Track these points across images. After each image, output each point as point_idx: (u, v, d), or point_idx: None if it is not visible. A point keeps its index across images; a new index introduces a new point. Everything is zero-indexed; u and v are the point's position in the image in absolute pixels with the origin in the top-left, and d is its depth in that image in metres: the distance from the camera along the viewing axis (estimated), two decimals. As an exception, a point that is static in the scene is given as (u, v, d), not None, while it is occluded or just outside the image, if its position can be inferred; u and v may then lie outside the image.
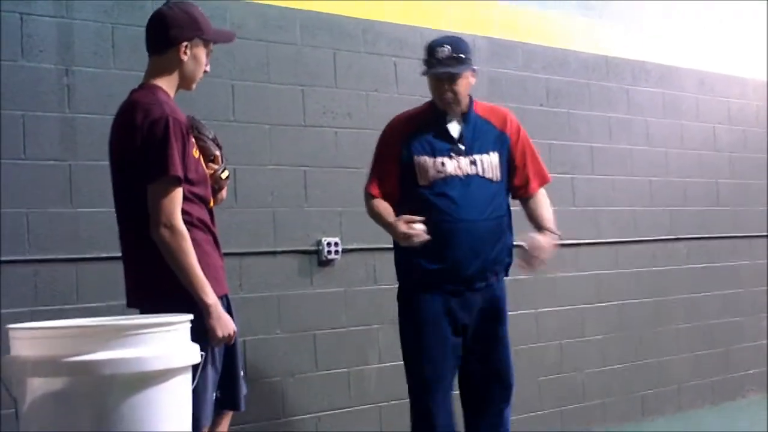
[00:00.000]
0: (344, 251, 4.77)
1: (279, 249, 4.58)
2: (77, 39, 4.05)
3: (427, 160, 3.80)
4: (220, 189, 3.48)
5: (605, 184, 6.02)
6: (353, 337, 4.80)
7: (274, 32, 4.63)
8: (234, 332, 3.03)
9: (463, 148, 3.81)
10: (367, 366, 4.84)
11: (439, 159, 3.80)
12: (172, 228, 2.91)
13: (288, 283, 4.60)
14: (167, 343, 2.58)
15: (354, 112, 4.87)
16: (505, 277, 3.95)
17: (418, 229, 3.66)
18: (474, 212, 3.76)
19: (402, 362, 4.85)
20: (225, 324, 2.99)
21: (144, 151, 2.95)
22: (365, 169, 4.87)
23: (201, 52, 3.13)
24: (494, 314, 3.86)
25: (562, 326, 5.70)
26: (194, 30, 3.10)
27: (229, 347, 3.13)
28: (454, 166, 3.79)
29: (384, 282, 4.90)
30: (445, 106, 3.83)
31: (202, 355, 2.74)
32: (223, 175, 3.48)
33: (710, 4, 6.78)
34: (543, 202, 3.98)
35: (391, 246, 4.90)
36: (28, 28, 3.93)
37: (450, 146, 3.81)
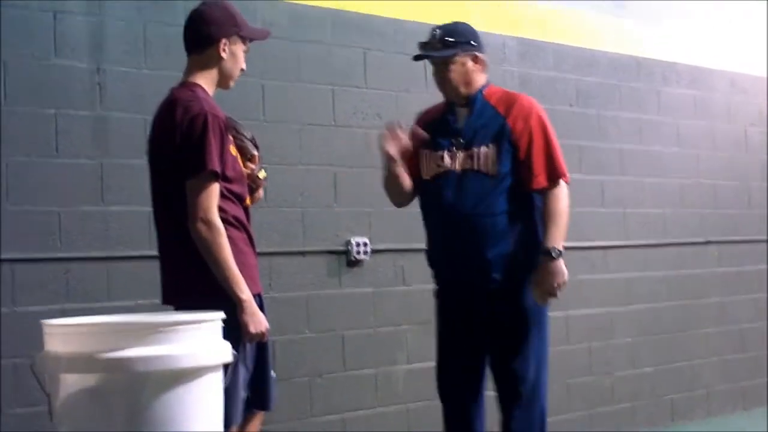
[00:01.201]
0: (373, 252, 4.76)
1: (308, 249, 4.58)
2: (109, 37, 4.06)
3: (429, 154, 3.69)
4: (257, 188, 3.49)
5: (635, 185, 5.97)
6: (381, 338, 4.79)
7: (305, 31, 4.63)
8: (267, 329, 3.03)
9: (462, 141, 3.64)
10: (395, 367, 4.82)
11: (439, 153, 3.65)
12: (208, 223, 2.91)
13: (317, 283, 4.60)
14: (200, 340, 2.58)
15: (384, 112, 4.85)
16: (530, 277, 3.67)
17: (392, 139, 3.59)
18: (466, 208, 3.57)
19: (428, 364, 4.87)
20: (258, 321, 2.98)
21: (182, 147, 2.95)
22: (395, 169, 4.87)
23: (239, 50, 3.14)
24: (511, 316, 3.64)
25: (592, 329, 5.66)
26: (232, 27, 3.11)
27: (261, 347, 3.13)
28: (451, 160, 3.63)
29: (413, 283, 4.89)
30: (442, 92, 3.73)
31: (234, 354, 2.74)
32: (261, 175, 3.51)
33: (741, 4, 6.72)
34: (549, 206, 3.60)
35: (419, 247, 4.91)
36: (61, 26, 3.94)
37: (450, 140, 3.66)
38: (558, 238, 3.56)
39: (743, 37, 6.73)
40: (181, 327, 2.55)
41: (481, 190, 3.58)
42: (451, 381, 3.74)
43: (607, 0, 5.95)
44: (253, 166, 3.44)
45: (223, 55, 3.09)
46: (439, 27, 3.70)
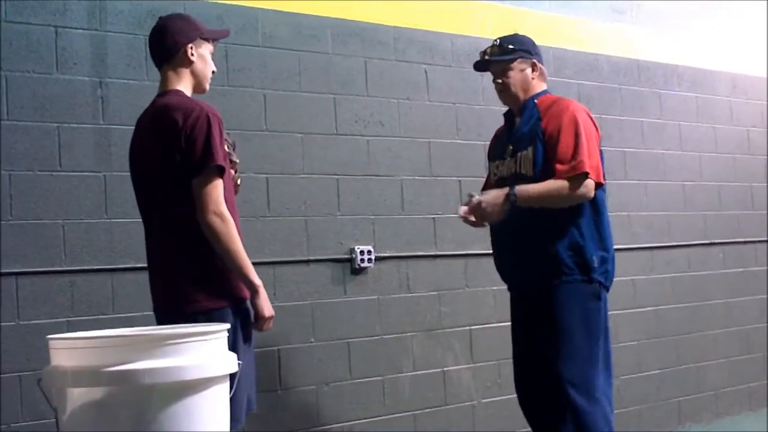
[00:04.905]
0: (377, 259, 4.76)
1: (312, 257, 4.58)
2: (111, 51, 4.08)
3: (491, 164, 3.91)
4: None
5: (638, 189, 5.97)
6: (387, 345, 4.79)
7: (305, 41, 4.64)
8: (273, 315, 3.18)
9: (511, 148, 3.76)
10: (401, 374, 4.83)
11: (496, 162, 3.85)
12: (221, 215, 3.02)
13: (321, 292, 4.60)
14: (206, 352, 2.59)
15: (385, 120, 4.87)
16: (573, 284, 3.61)
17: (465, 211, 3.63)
18: (510, 213, 3.58)
19: (434, 370, 4.89)
20: (269, 306, 3.14)
21: (189, 147, 3.03)
22: (397, 177, 4.89)
23: (206, 51, 3.27)
24: (545, 326, 3.63)
25: (597, 332, 5.64)
26: (194, 31, 3.24)
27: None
28: (502, 167, 3.79)
29: (417, 290, 4.90)
30: (502, 99, 3.84)
31: (239, 365, 2.76)
32: (239, 181, 3.56)
33: (742, 6, 6.73)
34: (555, 181, 3.51)
35: (423, 254, 4.93)
36: (63, 41, 3.96)
37: (504, 148, 3.81)
38: (528, 192, 3.51)
39: (744, 38, 6.74)
40: (186, 339, 2.56)
41: None
42: (516, 380, 3.84)
43: (606, 3, 5.96)
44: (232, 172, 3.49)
45: (192, 58, 3.22)
46: (499, 37, 3.84)
